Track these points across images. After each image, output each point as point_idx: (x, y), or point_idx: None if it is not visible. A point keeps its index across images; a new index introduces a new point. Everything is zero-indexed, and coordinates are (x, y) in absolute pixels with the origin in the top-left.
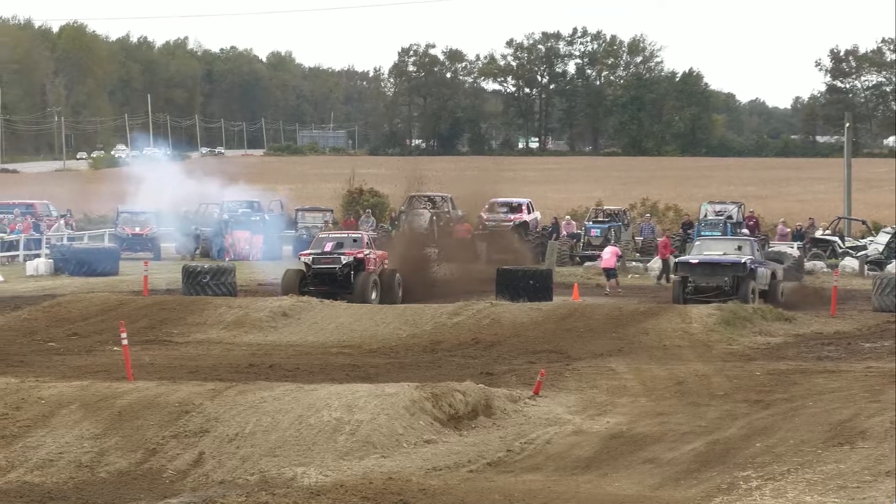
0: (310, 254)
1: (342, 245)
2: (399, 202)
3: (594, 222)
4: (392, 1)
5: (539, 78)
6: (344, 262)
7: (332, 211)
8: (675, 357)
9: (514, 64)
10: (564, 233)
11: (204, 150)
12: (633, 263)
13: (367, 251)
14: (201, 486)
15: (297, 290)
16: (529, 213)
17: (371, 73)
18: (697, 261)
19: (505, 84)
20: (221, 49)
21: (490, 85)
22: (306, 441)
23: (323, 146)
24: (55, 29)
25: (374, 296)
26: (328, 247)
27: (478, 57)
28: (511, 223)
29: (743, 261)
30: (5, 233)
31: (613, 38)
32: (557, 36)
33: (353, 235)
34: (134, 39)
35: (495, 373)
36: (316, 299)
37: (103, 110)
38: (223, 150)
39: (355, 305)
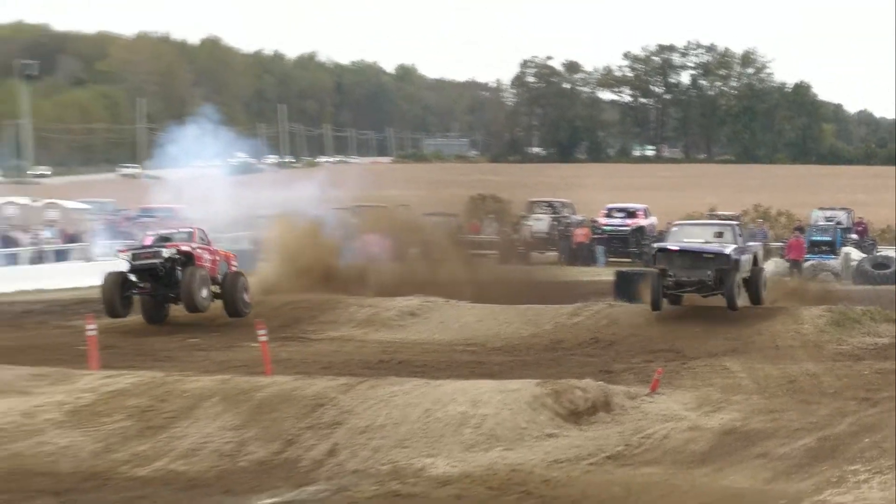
0: (128, 249)
1: (169, 240)
2: (521, 207)
3: None
4: (512, 14)
5: (654, 88)
6: (166, 255)
7: (456, 215)
8: (788, 357)
9: (630, 75)
10: None
11: (328, 158)
12: None
13: (195, 245)
14: (336, 475)
15: (119, 295)
16: (646, 217)
17: (492, 85)
18: (678, 248)
19: (621, 94)
20: (351, 62)
21: (607, 95)
22: (434, 433)
23: (447, 153)
24: (194, 42)
25: (204, 294)
26: (148, 240)
27: (595, 68)
28: (628, 228)
29: (727, 252)
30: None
31: (726, 50)
32: (672, 48)
33: (184, 230)
34: (268, 52)
35: (614, 371)
36: (442, 299)
37: (239, 119)
38: (345, 158)
39: (479, 306)
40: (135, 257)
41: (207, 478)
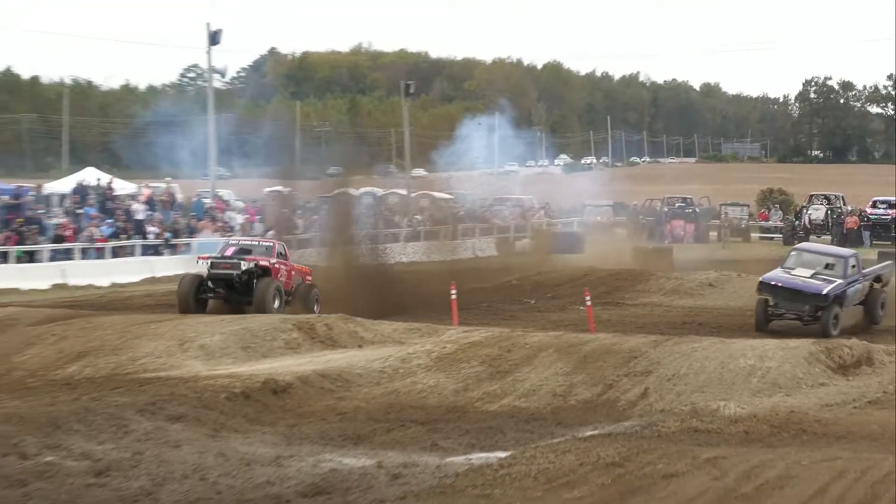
0: (209, 257)
1: (249, 252)
2: (802, 199)
3: None
4: (799, 45)
5: None
6: (244, 268)
7: (748, 205)
8: None
9: (893, 93)
10: None
11: (643, 159)
12: None
13: (273, 260)
14: (646, 413)
15: (192, 298)
16: None
17: (780, 100)
18: (780, 284)
19: (886, 108)
20: (665, 81)
21: (874, 109)
22: (727, 382)
23: (741, 155)
24: (539, 65)
25: (276, 304)
26: (229, 251)
27: (864, 87)
28: (889, 216)
29: (823, 292)
30: (503, 221)
31: None
32: None
33: (265, 243)
34: (598, 74)
35: (874, 332)
36: (735, 273)
37: (573, 128)
38: (658, 160)
39: None
40: (213, 266)
41: (544, 413)
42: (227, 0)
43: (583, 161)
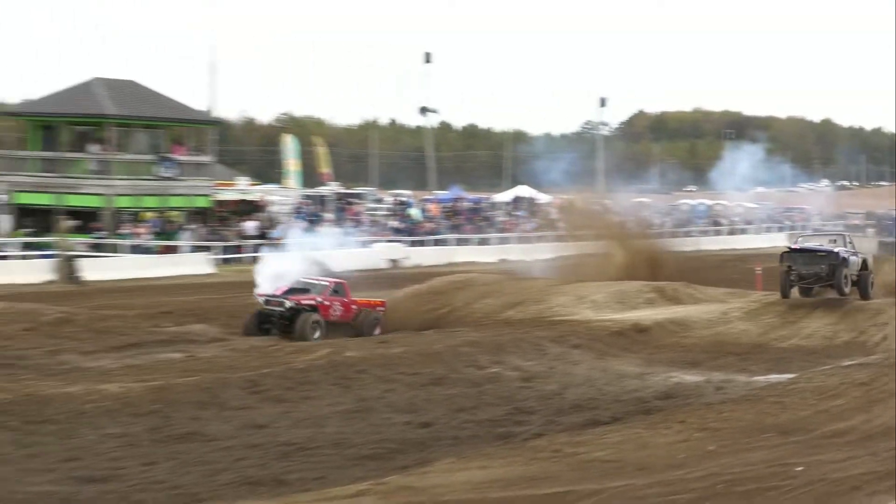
0: (263, 295)
1: (306, 290)
2: None
3: None
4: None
5: None
6: (287, 306)
7: None
8: None
9: None
10: None
11: (883, 182)
12: None
13: (320, 298)
14: (886, 350)
15: (255, 330)
16: None
17: None
18: (799, 248)
19: None
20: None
21: None
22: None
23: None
24: (816, 120)
25: (316, 335)
26: (280, 290)
27: None
28: None
29: (836, 251)
30: (791, 221)
31: None
32: None
33: (322, 283)
34: (856, 126)
35: None
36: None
37: (837, 162)
38: (886, 183)
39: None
40: (266, 303)
41: (818, 349)
42: (613, 78)
43: (840, 183)
